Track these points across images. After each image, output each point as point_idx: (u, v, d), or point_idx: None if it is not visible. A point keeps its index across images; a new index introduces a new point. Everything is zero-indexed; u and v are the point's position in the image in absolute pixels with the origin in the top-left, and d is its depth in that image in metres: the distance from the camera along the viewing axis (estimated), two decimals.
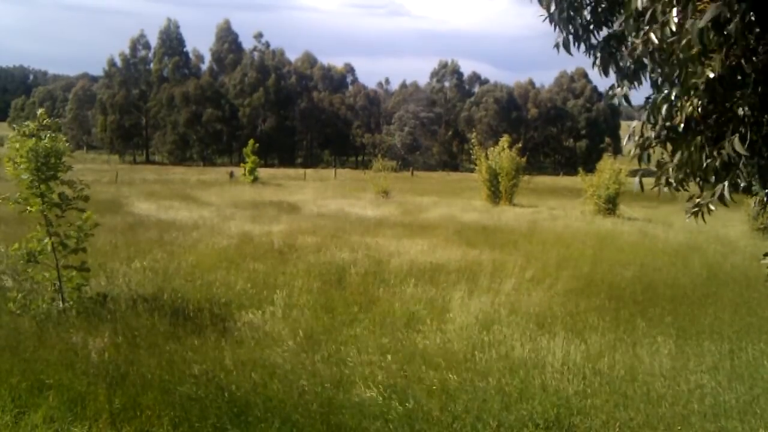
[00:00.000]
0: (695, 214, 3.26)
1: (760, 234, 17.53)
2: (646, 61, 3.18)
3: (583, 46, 3.60)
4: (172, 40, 79.72)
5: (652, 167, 3.54)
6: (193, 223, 16.38)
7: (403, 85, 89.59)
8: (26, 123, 7.74)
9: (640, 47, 3.01)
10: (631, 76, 3.40)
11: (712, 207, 3.14)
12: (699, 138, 3.08)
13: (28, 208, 7.68)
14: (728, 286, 10.63)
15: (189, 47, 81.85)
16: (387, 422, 5.13)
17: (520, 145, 27.28)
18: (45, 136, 7.52)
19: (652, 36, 2.87)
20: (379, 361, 6.46)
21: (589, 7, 3.49)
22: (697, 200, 3.25)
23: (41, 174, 7.50)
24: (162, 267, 10.45)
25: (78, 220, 7.94)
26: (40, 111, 7.99)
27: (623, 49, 3.41)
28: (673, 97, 3.06)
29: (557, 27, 3.55)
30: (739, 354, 7.14)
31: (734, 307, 9.23)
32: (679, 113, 3.10)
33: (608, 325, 8.06)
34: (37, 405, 5.18)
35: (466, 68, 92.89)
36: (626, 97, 3.49)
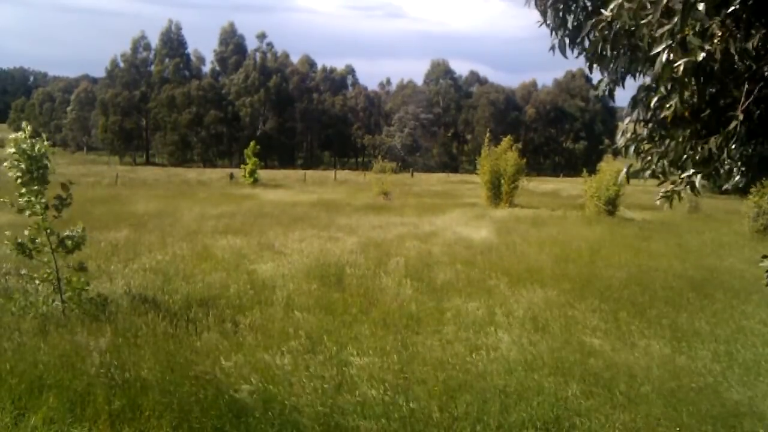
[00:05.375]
0: (666, 198, 3.30)
1: (758, 236, 17.53)
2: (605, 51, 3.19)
3: (577, 49, 3.61)
4: (173, 41, 79.72)
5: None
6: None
7: (402, 86, 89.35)
8: (20, 131, 7.75)
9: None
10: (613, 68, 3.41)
11: (684, 195, 3.19)
12: (687, 131, 3.09)
13: (27, 211, 7.73)
14: (725, 288, 10.64)
15: (188, 49, 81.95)
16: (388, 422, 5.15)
17: (520, 146, 27.24)
18: (33, 143, 7.58)
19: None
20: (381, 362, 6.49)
21: (583, 11, 3.50)
22: (671, 186, 3.28)
23: (33, 175, 7.56)
24: (162, 268, 10.47)
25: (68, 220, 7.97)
26: (24, 123, 7.99)
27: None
28: (662, 90, 3.03)
29: (553, 31, 3.57)
30: (736, 356, 7.16)
31: (731, 309, 9.25)
32: (667, 107, 3.08)
33: (606, 326, 8.09)
34: (36, 406, 5.18)
35: (465, 70, 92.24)
36: (610, 91, 3.52)
